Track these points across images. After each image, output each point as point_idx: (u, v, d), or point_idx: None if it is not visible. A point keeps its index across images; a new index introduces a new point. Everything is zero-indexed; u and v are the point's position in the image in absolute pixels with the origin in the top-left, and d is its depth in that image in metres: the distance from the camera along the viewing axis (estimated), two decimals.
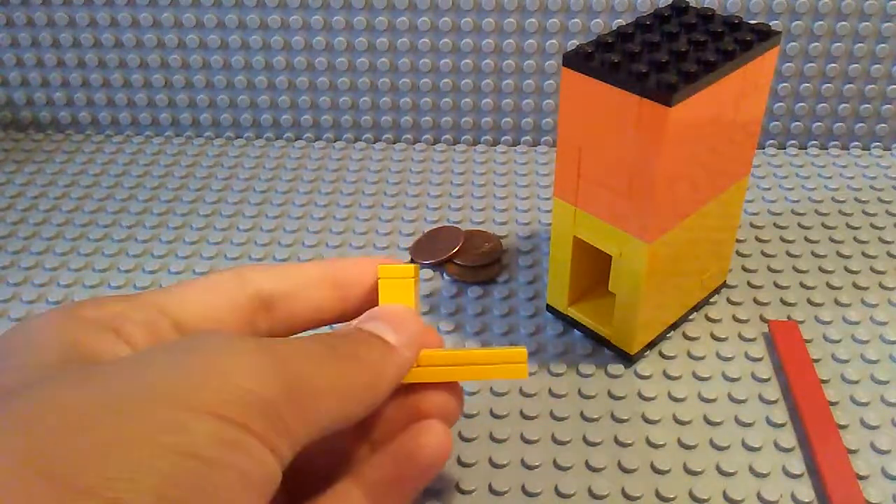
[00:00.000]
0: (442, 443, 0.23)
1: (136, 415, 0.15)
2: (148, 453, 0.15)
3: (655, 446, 0.30)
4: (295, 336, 0.20)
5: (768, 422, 0.31)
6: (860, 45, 0.46)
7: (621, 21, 0.46)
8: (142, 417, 0.15)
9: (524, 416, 0.31)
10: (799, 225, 0.42)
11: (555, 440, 0.30)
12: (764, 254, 0.40)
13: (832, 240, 0.41)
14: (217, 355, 0.17)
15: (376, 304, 0.24)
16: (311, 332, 0.22)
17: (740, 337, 0.35)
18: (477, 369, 0.23)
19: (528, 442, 0.30)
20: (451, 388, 0.24)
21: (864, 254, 0.40)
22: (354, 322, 0.23)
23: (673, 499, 0.28)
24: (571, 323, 0.35)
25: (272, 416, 0.17)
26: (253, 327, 0.22)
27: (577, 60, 0.29)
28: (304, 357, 0.19)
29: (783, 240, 0.41)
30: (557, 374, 0.33)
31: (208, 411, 0.16)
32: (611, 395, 0.32)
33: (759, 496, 0.28)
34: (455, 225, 0.42)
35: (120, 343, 0.19)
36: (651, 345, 0.34)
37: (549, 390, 0.32)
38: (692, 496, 0.28)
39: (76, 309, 0.19)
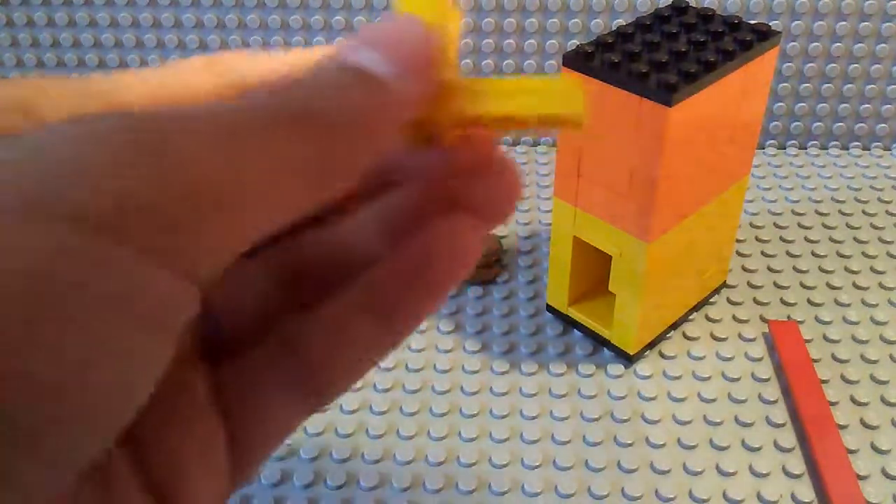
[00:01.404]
0: (463, 247, 0.17)
1: None
2: None
3: (655, 446, 0.30)
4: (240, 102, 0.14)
5: (768, 422, 0.31)
6: (860, 45, 0.46)
7: (621, 21, 0.46)
8: None
9: (524, 416, 0.31)
10: (799, 225, 0.42)
11: (554, 440, 0.30)
12: (764, 254, 0.40)
13: (832, 240, 0.41)
14: (92, 142, 0.12)
15: None
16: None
17: (740, 337, 0.35)
18: (525, 100, 0.17)
19: (527, 441, 0.30)
20: (498, 171, 0.18)
21: (864, 254, 0.40)
22: (339, 44, 0.16)
23: (673, 499, 0.28)
24: (571, 323, 0.35)
25: (162, 223, 0.12)
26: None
27: (577, 60, 0.29)
28: (230, 130, 0.13)
29: (783, 240, 0.41)
30: (557, 374, 0.33)
31: (65, 215, 0.11)
32: (610, 395, 0.32)
33: (758, 496, 0.28)
34: None
35: (25, 126, 0.15)
36: (651, 345, 0.34)
37: (549, 390, 0.32)
38: (692, 496, 0.28)
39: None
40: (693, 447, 0.30)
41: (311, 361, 0.16)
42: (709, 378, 0.33)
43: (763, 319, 0.36)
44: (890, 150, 0.48)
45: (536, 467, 0.29)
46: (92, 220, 0.11)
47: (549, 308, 0.36)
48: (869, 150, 0.48)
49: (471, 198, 0.17)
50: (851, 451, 0.30)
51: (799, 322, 0.35)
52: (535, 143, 0.49)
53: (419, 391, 0.32)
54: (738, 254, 0.40)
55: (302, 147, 0.13)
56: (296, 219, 0.14)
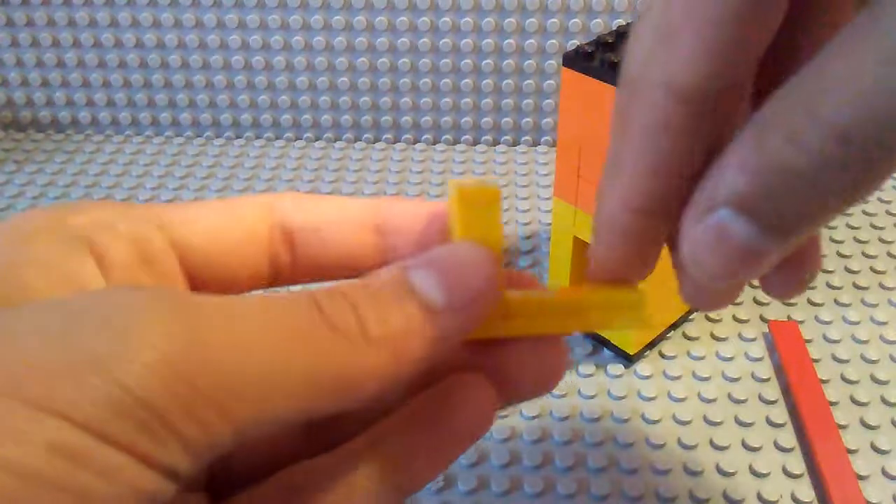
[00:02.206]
0: (482, 404, 0.17)
1: None
2: None
3: (655, 446, 0.30)
4: (288, 293, 0.14)
5: (768, 422, 0.31)
6: None
7: (621, 21, 0.46)
8: None
9: (523, 416, 0.31)
10: None
11: (554, 440, 0.30)
12: None
13: (832, 240, 0.41)
14: (102, 331, 0.12)
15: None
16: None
17: (740, 337, 0.35)
18: (581, 318, 0.17)
19: (527, 441, 0.30)
20: (544, 342, 0.17)
21: (864, 254, 0.40)
22: (402, 262, 0.16)
23: (673, 499, 0.28)
24: None
25: (148, 420, 0.12)
26: (274, 266, 0.18)
27: (577, 60, 0.29)
28: (247, 329, 0.13)
29: None
30: None
31: (56, 412, 0.11)
32: (610, 395, 0.32)
33: (759, 496, 0.28)
34: None
35: (88, 262, 0.15)
36: (651, 345, 0.34)
37: None
38: (692, 496, 0.28)
39: (62, 212, 0.16)
40: (693, 447, 0.30)
41: None
42: (709, 378, 0.33)
43: (763, 319, 0.36)
44: None
45: (536, 467, 0.29)
46: (80, 420, 0.12)
47: None
48: None
49: (506, 368, 0.17)
50: (851, 451, 0.30)
51: (799, 322, 0.35)
52: (535, 144, 0.49)
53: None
54: None
55: (329, 356, 0.13)
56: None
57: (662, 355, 0.34)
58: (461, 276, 0.15)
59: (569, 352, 0.17)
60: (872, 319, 0.36)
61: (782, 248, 0.14)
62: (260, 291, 0.17)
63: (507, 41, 0.47)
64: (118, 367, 0.12)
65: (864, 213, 0.42)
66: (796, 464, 0.29)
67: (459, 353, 0.17)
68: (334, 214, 0.18)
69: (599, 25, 0.46)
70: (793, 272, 0.17)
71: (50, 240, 0.15)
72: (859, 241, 0.40)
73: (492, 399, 0.17)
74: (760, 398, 0.32)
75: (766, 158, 0.13)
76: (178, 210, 0.17)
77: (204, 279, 0.17)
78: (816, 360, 0.34)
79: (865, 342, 0.35)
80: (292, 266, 0.18)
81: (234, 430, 0.13)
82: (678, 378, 0.33)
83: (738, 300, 0.37)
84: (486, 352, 0.17)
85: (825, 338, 0.35)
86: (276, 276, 0.18)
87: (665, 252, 0.30)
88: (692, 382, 0.33)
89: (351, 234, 0.18)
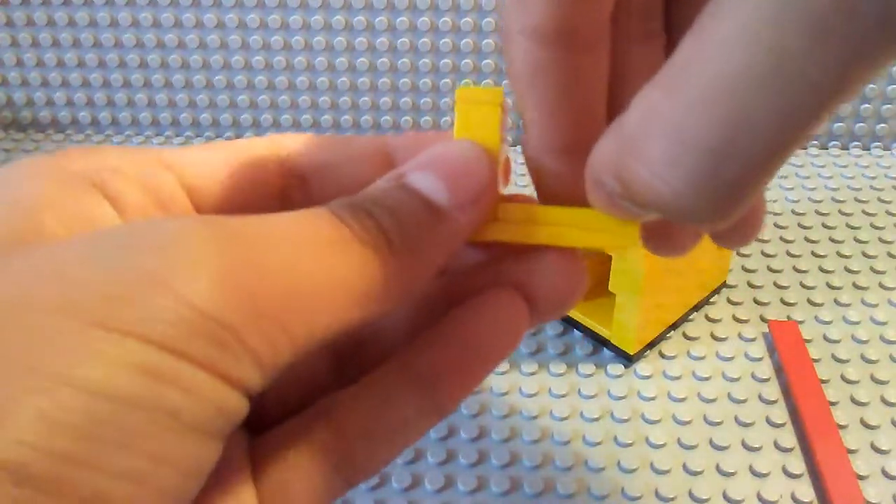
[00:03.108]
0: (513, 316, 0.17)
1: (23, 334, 0.11)
2: (33, 390, 0.11)
3: (655, 446, 0.30)
4: (307, 210, 0.14)
5: (768, 422, 0.31)
6: None
7: None
8: (29, 339, 0.11)
9: (523, 416, 0.31)
10: (799, 225, 0.42)
11: (554, 440, 0.30)
12: (764, 253, 0.40)
13: (832, 240, 0.41)
14: (156, 254, 0.12)
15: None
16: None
17: (740, 337, 0.35)
18: (573, 232, 0.17)
19: (527, 442, 0.30)
20: (563, 257, 0.17)
21: (864, 254, 0.40)
22: (399, 169, 0.16)
23: (673, 499, 0.28)
24: (571, 323, 0.35)
25: (223, 337, 0.12)
26: (283, 201, 0.18)
27: None
28: (289, 247, 0.13)
29: (783, 239, 0.41)
30: (557, 374, 0.33)
31: (129, 332, 0.11)
32: (610, 395, 0.32)
33: (759, 496, 0.28)
34: None
35: (103, 204, 0.15)
36: (651, 345, 0.34)
37: (549, 390, 0.32)
38: (692, 496, 0.28)
39: (63, 157, 0.15)
40: (693, 447, 0.30)
41: (346, 432, 0.16)
42: (709, 378, 0.33)
43: (763, 319, 0.36)
44: (890, 149, 0.48)
45: (536, 467, 0.29)
46: (157, 339, 0.12)
47: None
48: (869, 150, 0.48)
49: (528, 283, 0.17)
50: (851, 451, 0.30)
51: (799, 322, 0.35)
52: None
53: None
54: (738, 254, 0.40)
55: (363, 268, 0.14)
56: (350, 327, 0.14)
57: (662, 355, 0.34)
58: (461, 173, 0.15)
59: (585, 269, 0.18)
60: (872, 319, 0.36)
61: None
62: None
63: None
64: (183, 286, 0.12)
65: (864, 213, 0.42)
66: (796, 464, 0.29)
67: (479, 273, 0.18)
68: (346, 150, 0.18)
69: None
70: (732, 230, 0.17)
71: (60, 183, 0.15)
72: (859, 241, 0.40)
73: (523, 312, 0.17)
74: (760, 398, 0.32)
75: (630, 181, 0.13)
76: (184, 153, 0.17)
77: (208, 194, 0.17)
78: (816, 360, 0.34)
79: (865, 342, 0.35)
80: (307, 203, 0.18)
81: (293, 345, 0.13)
82: (678, 378, 0.33)
83: (738, 300, 0.37)
84: (506, 270, 0.17)
85: (825, 338, 0.35)
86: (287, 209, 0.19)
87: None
88: (692, 382, 0.33)
89: (363, 168, 0.18)
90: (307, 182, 0.18)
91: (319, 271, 0.13)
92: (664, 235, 0.17)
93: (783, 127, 0.11)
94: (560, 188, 0.18)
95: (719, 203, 0.12)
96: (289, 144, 0.18)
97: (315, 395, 0.17)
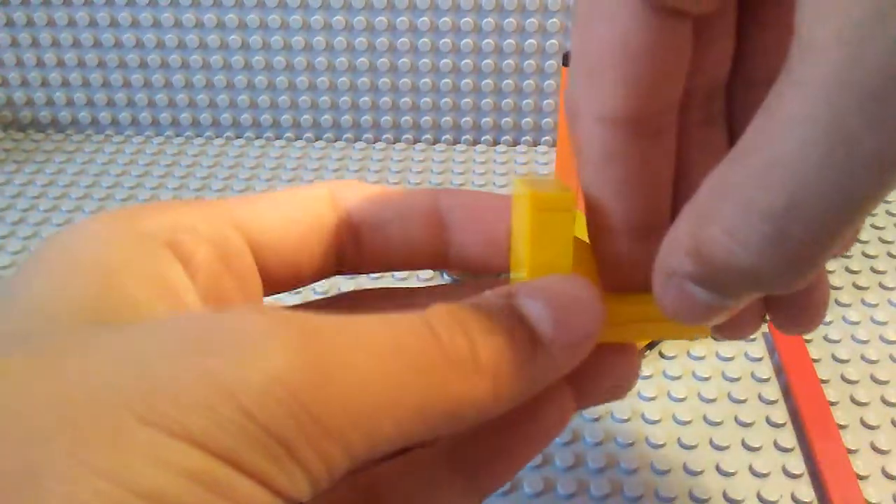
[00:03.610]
0: (560, 407, 0.17)
1: (86, 427, 0.11)
2: (77, 480, 0.10)
3: (655, 446, 0.30)
4: (400, 317, 0.14)
5: (768, 422, 0.31)
6: None
7: None
8: (91, 433, 0.11)
9: None
10: None
11: (554, 440, 0.30)
12: None
13: None
14: (226, 355, 0.12)
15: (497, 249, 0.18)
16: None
17: None
18: (647, 326, 0.17)
19: None
20: (619, 351, 0.17)
21: (864, 254, 0.40)
22: (510, 288, 0.15)
23: (673, 499, 0.28)
24: None
25: (277, 451, 0.12)
26: (339, 257, 0.18)
27: None
28: (369, 358, 0.13)
29: None
30: None
31: (186, 437, 0.11)
32: None
33: (759, 496, 0.28)
34: None
35: (177, 266, 0.15)
36: (651, 345, 0.34)
37: None
38: (692, 496, 0.28)
39: (136, 216, 0.15)
40: (693, 447, 0.30)
41: None
42: (709, 378, 0.33)
43: (763, 319, 0.36)
44: None
45: (536, 467, 0.29)
46: (212, 447, 0.11)
47: None
48: None
49: (581, 374, 0.17)
50: (851, 451, 0.30)
51: None
52: (535, 144, 0.49)
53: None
54: None
55: (443, 388, 0.13)
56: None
57: (662, 355, 0.34)
58: (574, 314, 0.15)
59: (639, 361, 0.18)
60: (872, 319, 0.36)
61: (748, 301, 0.15)
62: (340, 284, 0.17)
63: (506, 41, 0.47)
64: (245, 394, 0.12)
65: None
66: (796, 464, 0.29)
67: None
68: (399, 209, 0.18)
69: None
70: (798, 311, 0.18)
71: (136, 245, 0.15)
72: (859, 242, 0.40)
73: (570, 403, 0.17)
74: (760, 398, 0.32)
75: (706, 249, 0.13)
76: (248, 205, 0.17)
77: (274, 273, 0.17)
78: (816, 360, 0.34)
79: (865, 342, 0.35)
80: (358, 257, 0.18)
81: (350, 459, 0.13)
82: (678, 378, 0.33)
83: None
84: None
85: (825, 338, 0.35)
86: (341, 267, 0.18)
87: None
88: (692, 382, 0.33)
89: (415, 228, 0.18)
90: (361, 238, 0.18)
91: (396, 388, 0.13)
92: (730, 321, 0.17)
93: (843, 197, 0.12)
94: (626, 271, 0.18)
95: (787, 263, 0.13)
96: (348, 197, 0.18)
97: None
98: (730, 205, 0.13)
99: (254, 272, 0.17)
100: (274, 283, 0.17)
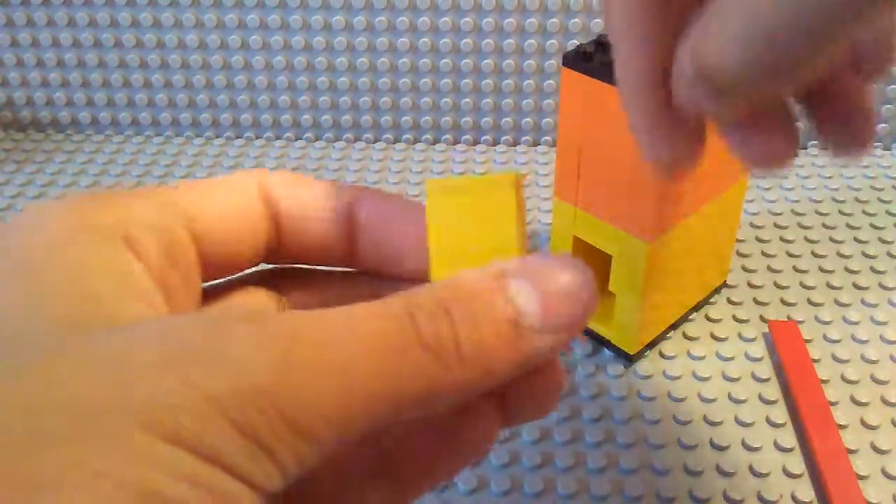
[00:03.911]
0: (487, 427, 0.17)
1: (79, 432, 0.12)
2: (78, 485, 0.11)
3: (655, 446, 0.30)
4: (367, 306, 0.14)
5: (768, 422, 0.31)
6: None
7: None
8: (85, 437, 0.12)
9: None
10: (799, 225, 0.42)
11: (554, 440, 0.30)
12: (764, 254, 0.40)
13: (832, 240, 0.41)
14: (203, 363, 0.13)
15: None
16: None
17: (740, 337, 0.35)
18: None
19: (527, 442, 0.30)
20: (544, 369, 0.17)
21: (864, 254, 0.40)
22: (501, 266, 0.15)
23: (673, 499, 0.28)
24: None
25: (253, 449, 0.13)
26: (268, 246, 0.19)
27: (577, 60, 0.29)
28: (343, 353, 0.13)
29: (783, 240, 0.41)
30: None
31: (183, 443, 0.12)
32: (610, 395, 0.32)
33: (759, 496, 0.28)
34: None
35: (128, 258, 0.15)
36: (651, 345, 0.34)
37: None
38: (692, 496, 0.28)
39: (87, 209, 0.15)
40: (693, 447, 0.30)
41: None
42: (709, 378, 0.33)
43: (763, 319, 0.36)
44: (890, 149, 0.48)
45: (536, 467, 0.29)
46: (202, 451, 0.12)
47: None
48: None
49: (508, 392, 0.17)
50: (851, 452, 0.30)
51: (799, 322, 0.35)
52: (535, 144, 0.49)
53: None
54: (738, 254, 0.40)
55: (417, 377, 0.13)
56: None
57: (662, 355, 0.34)
58: (562, 299, 0.14)
59: (565, 376, 0.17)
60: (872, 319, 0.36)
61: (744, 101, 0.15)
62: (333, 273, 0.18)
63: (506, 41, 0.47)
64: (230, 403, 0.12)
65: (864, 213, 0.42)
66: (796, 464, 0.29)
67: None
68: (319, 203, 0.18)
69: (599, 25, 0.46)
70: (845, 121, 0.17)
71: (98, 242, 0.15)
72: (859, 241, 0.40)
73: (495, 422, 0.17)
74: (760, 398, 0.32)
75: (699, 50, 0.14)
76: (190, 194, 0.17)
77: (212, 263, 0.18)
78: (816, 360, 0.34)
79: (865, 342, 0.35)
80: (279, 249, 0.19)
81: (321, 452, 0.13)
82: (678, 378, 0.33)
83: (738, 300, 0.37)
84: None
85: (825, 338, 0.35)
86: (268, 256, 0.19)
87: (663, 250, 0.30)
88: (692, 382, 0.33)
89: (331, 224, 0.19)
90: (282, 230, 0.19)
91: (366, 379, 0.13)
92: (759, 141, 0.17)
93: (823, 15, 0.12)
94: (655, 117, 0.18)
95: (774, 62, 0.13)
96: (275, 189, 0.18)
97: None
98: (721, 15, 0.14)
99: (195, 264, 0.17)
100: (211, 272, 0.18)
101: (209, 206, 0.17)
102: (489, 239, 0.16)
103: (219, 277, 0.18)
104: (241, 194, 0.18)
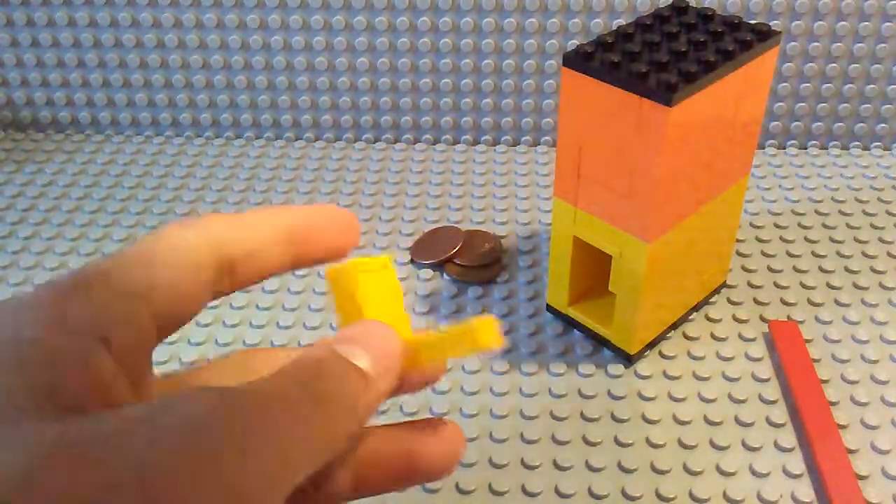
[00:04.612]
0: (453, 449, 0.20)
1: None
2: None
3: (655, 446, 0.30)
4: (262, 378, 0.17)
5: (768, 422, 0.31)
6: (860, 45, 0.46)
7: (621, 21, 0.46)
8: None
9: (524, 416, 0.31)
10: (799, 225, 0.42)
11: (555, 440, 0.30)
12: (764, 254, 0.40)
13: (832, 240, 0.41)
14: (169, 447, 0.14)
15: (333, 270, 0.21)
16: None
17: (740, 337, 0.35)
18: (447, 344, 0.20)
19: (528, 442, 0.30)
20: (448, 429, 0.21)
21: (864, 254, 0.40)
22: (328, 339, 0.19)
23: (673, 499, 0.28)
24: (571, 323, 0.35)
25: None
26: (215, 293, 0.20)
27: (578, 60, 0.29)
28: (250, 417, 0.15)
29: (783, 240, 0.41)
30: (557, 374, 0.33)
31: None
32: (611, 395, 0.32)
33: (759, 496, 0.28)
34: (455, 225, 0.42)
35: (107, 359, 0.16)
36: (651, 345, 0.34)
37: (549, 390, 0.32)
38: (692, 496, 0.28)
39: (64, 308, 0.17)
40: (693, 447, 0.30)
41: None
42: (709, 378, 0.33)
43: (763, 319, 0.36)
44: (890, 149, 0.48)
45: (537, 467, 0.29)
46: None
47: (549, 308, 0.36)
48: (869, 149, 0.48)
49: (417, 451, 0.20)
50: (851, 451, 0.30)
51: (799, 322, 0.35)
52: (535, 144, 0.49)
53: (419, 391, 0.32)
54: (738, 254, 0.40)
55: (309, 427, 0.16)
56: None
57: (663, 355, 0.34)
58: (382, 348, 0.19)
59: (462, 439, 0.21)
60: (872, 319, 0.36)
61: None
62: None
63: (507, 41, 0.47)
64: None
65: (865, 213, 0.42)
66: (796, 464, 0.29)
67: (380, 438, 0.21)
68: (266, 236, 0.21)
69: (599, 25, 0.46)
70: None
71: (75, 346, 0.16)
72: (859, 242, 0.40)
73: (459, 438, 0.20)
74: (760, 398, 0.32)
75: None
76: (147, 270, 0.18)
77: (165, 327, 0.19)
78: (816, 360, 0.34)
79: (865, 342, 0.35)
80: (231, 284, 0.20)
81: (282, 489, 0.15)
82: (678, 378, 0.33)
83: (738, 300, 0.37)
84: (400, 438, 0.21)
85: (825, 338, 0.35)
86: (216, 297, 0.21)
87: (664, 250, 0.30)
88: (692, 382, 0.33)
89: (278, 253, 0.21)
90: (234, 273, 0.20)
91: (275, 443, 0.15)
92: None
93: None
94: None
95: None
96: (224, 241, 0.20)
97: None
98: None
99: (153, 338, 0.18)
100: (164, 332, 0.19)
101: (164, 284, 0.19)
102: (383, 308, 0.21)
103: (172, 332, 0.19)
104: (191, 262, 0.19)
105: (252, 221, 0.21)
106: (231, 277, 0.20)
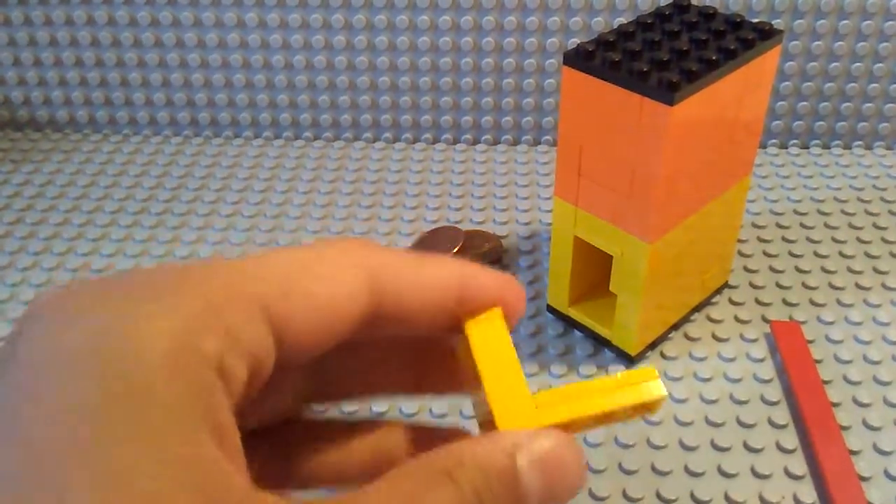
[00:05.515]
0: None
1: None
2: None
3: (656, 447, 0.30)
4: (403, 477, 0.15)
5: (770, 423, 0.31)
6: (862, 43, 0.45)
7: (622, 19, 0.46)
8: None
9: None
10: (801, 225, 0.42)
11: None
12: (766, 254, 0.39)
13: (834, 240, 0.40)
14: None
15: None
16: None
17: (742, 338, 0.35)
18: (604, 399, 0.19)
19: None
20: None
21: (866, 254, 0.39)
22: (514, 440, 0.17)
23: (674, 500, 0.28)
24: (572, 323, 0.35)
25: None
26: (362, 327, 0.17)
27: (578, 59, 0.28)
28: None
29: (785, 240, 0.40)
30: (558, 375, 0.33)
31: None
32: None
33: (760, 498, 0.28)
34: (455, 225, 0.42)
35: (221, 396, 0.15)
36: (652, 345, 0.34)
37: None
38: (693, 497, 0.28)
39: (196, 335, 0.14)
40: (694, 448, 0.30)
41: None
42: (710, 379, 0.33)
43: (765, 320, 0.36)
44: (892, 149, 0.48)
45: None
46: None
47: (550, 308, 0.36)
48: (871, 149, 0.48)
49: None
50: (854, 453, 0.30)
51: (801, 323, 0.35)
52: (536, 143, 0.49)
53: None
54: (740, 254, 0.39)
55: None
56: None
57: (664, 356, 0.34)
58: (565, 480, 0.17)
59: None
60: (875, 320, 0.35)
61: None
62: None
63: (507, 39, 0.46)
64: None
65: (867, 212, 0.42)
66: (798, 465, 0.29)
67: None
68: (425, 288, 0.18)
69: (600, 24, 0.46)
70: None
71: (191, 382, 0.14)
72: (862, 242, 0.40)
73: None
74: (762, 399, 0.32)
75: None
76: (274, 283, 0.16)
77: (296, 350, 0.16)
78: (818, 361, 0.33)
79: (868, 343, 0.34)
80: (370, 330, 0.18)
81: None
82: (679, 379, 0.33)
83: (740, 301, 0.36)
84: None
85: (827, 338, 0.35)
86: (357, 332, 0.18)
87: (665, 250, 0.30)
88: (693, 383, 0.33)
89: (433, 307, 0.18)
90: (383, 307, 0.17)
91: None
92: None
93: None
94: None
95: None
96: (382, 274, 0.17)
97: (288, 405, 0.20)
98: None
99: (268, 369, 0.16)
100: (292, 354, 0.16)
101: (298, 296, 0.16)
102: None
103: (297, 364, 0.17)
104: (336, 280, 0.16)
105: (415, 266, 0.18)
106: (380, 311, 0.17)
